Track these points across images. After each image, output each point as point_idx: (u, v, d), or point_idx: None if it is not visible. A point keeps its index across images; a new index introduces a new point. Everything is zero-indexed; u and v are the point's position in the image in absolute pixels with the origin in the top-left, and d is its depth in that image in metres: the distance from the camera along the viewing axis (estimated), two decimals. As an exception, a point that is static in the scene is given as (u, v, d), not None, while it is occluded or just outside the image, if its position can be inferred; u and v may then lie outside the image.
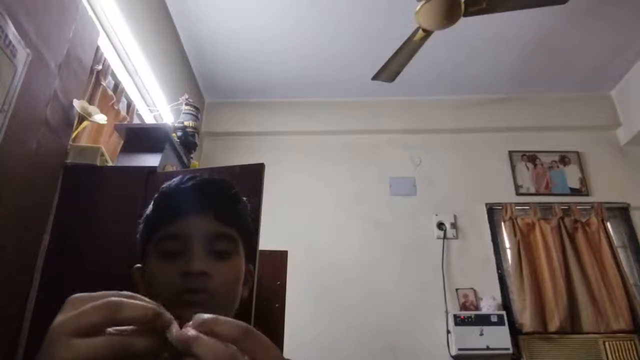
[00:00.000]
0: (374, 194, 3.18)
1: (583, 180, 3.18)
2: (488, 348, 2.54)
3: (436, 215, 3.06)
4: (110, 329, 0.34)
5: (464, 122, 3.38)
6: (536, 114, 3.36)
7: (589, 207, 3.03)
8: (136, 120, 2.29)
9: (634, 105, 3.18)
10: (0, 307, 1.09)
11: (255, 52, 2.98)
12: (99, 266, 1.26)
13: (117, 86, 2.11)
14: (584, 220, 2.97)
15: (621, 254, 2.90)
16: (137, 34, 2.15)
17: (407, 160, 3.30)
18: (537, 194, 3.15)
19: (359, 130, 3.40)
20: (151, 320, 0.35)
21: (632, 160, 3.23)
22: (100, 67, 1.81)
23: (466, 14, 2.06)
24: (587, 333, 2.64)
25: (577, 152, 3.27)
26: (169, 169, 1.65)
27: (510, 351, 2.54)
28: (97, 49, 1.75)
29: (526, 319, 2.66)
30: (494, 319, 2.62)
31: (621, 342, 2.60)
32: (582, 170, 3.21)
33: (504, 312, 2.66)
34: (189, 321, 0.36)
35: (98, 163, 1.44)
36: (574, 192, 3.15)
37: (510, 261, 2.91)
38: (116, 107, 1.96)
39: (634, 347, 2.59)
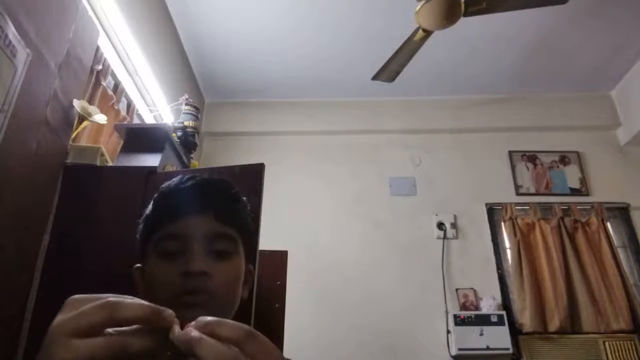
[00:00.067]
0: (374, 194, 3.18)
1: (583, 180, 3.18)
2: (488, 348, 2.54)
3: (436, 215, 3.06)
4: (110, 330, 0.34)
5: (464, 122, 3.38)
6: (536, 114, 3.36)
7: (589, 207, 3.03)
8: (136, 120, 2.29)
9: (634, 105, 3.18)
10: (0, 307, 1.09)
11: (255, 52, 2.98)
12: (99, 266, 1.26)
13: (117, 86, 2.11)
14: (584, 220, 2.97)
15: (621, 254, 2.90)
16: (137, 34, 2.15)
17: (407, 160, 3.30)
18: (537, 194, 3.15)
19: (359, 130, 3.40)
20: (151, 319, 0.35)
21: (632, 160, 3.23)
22: (100, 67, 1.81)
23: (466, 14, 2.06)
24: (587, 333, 2.64)
25: (577, 152, 3.27)
26: (169, 169, 1.65)
27: (510, 351, 2.54)
28: (97, 49, 1.75)
29: (526, 319, 2.66)
30: (494, 319, 2.62)
31: (621, 342, 2.60)
32: (582, 170, 3.21)
33: (504, 312, 2.66)
34: (189, 321, 0.36)
35: (98, 163, 1.44)
36: (574, 192, 3.15)
37: (510, 261, 2.91)
38: (116, 107, 1.96)
39: (634, 347, 2.59)
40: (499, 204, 3.08)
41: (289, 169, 3.22)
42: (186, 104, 2.19)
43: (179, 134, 2.05)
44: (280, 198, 2.98)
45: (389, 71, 2.50)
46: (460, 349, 2.55)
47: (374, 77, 2.57)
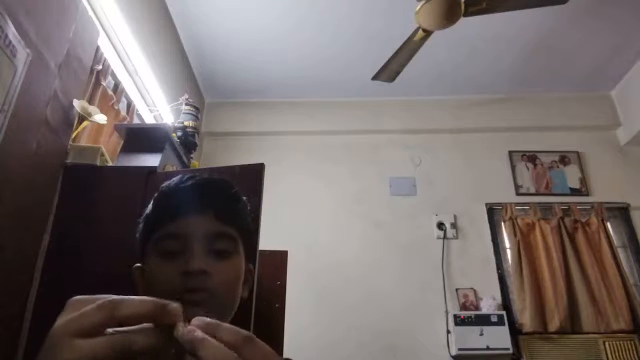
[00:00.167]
0: (374, 194, 3.18)
1: (583, 180, 3.18)
2: (488, 348, 2.54)
3: (436, 215, 3.06)
4: (113, 329, 0.34)
5: (464, 122, 3.38)
6: (536, 114, 3.36)
7: (589, 207, 3.03)
8: (136, 120, 2.29)
9: (634, 105, 3.18)
10: (0, 307, 1.09)
11: (255, 52, 2.99)
12: (99, 266, 1.26)
13: (117, 86, 2.11)
14: (584, 220, 2.97)
15: (621, 254, 2.90)
16: (137, 34, 2.15)
17: (407, 160, 3.30)
18: (537, 194, 3.15)
19: (359, 130, 3.40)
20: (155, 314, 0.34)
21: (632, 160, 3.23)
22: (100, 67, 1.81)
23: (466, 14, 2.06)
24: (587, 333, 2.64)
25: (577, 152, 3.27)
26: (169, 169, 1.65)
27: (510, 351, 2.54)
28: (97, 49, 1.75)
29: (526, 319, 2.66)
30: (494, 319, 2.62)
31: (621, 342, 2.60)
32: (582, 170, 3.21)
33: (504, 312, 2.66)
34: (188, 319, 0.35)
35: (98, 163, 1.44)
36: (574, 192, 3.15)
37: (510, 261, 2.91)
38: (116, 107, 1.96)
39: (634, 347, 2.59)
40: (499, 204, 3.08)
41: (289, 169, 3.22)
42: (186, 104, 2.19)
43: (179, 134, 2.05)
44: (280, 198, 2.98)
45: (389, 71, 2.50)
46: (460, 349, 2.55)
47: (374, 77, 2.57)
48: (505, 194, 3.14)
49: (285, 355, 0.77)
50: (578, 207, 3.02)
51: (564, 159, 3.26)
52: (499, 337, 2.56)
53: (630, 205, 3.07)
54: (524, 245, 2.87)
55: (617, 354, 2.56)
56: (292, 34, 2.83)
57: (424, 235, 3.02)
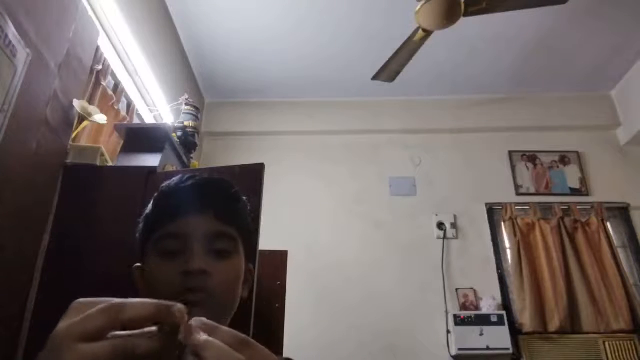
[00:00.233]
0: (374, 194, 3.18)
1: (583, 180, 3.18)
2: (488, 348, 2.53)
3: (436, 215, 3.06)
4: (116, 332, 0.34)
5: (464, 122, 3.38)
6: (536, 114, 3.36)
7: (589, 207, 3.03)
8: (136, 120, 2.29)
9: (634, 105, 3.18)
10: (0, 307, 1.09)
11: (255, 52, 2.99)
12: (99, 266, 1.26)
13: (117, 86, 2.11)
14: (584, 220, 2.97)
15: (621, 254, 2.90)
16: (137, 34, 2.15)
17: (407, 160, 3.30)
18: (537, 194, 3.15)
19: (359, 130, 3.40)
20: (158, 316, 0.34)
21: (632, 160, 3.24)
22: (100, 67, 1.81)
23: (466, 14, 2.06)
24: (587, 333, 2.64)
25: (577, 152, 3.27)
26: (169, 169, 1.65)
27: (510, 351, 2.54)
28: (97, 49, 1.75)
29: (526, 319, 2.66)
30: (494, 319, 2.62)
31: (621, 342, 2.60)
32: (582, 170, 3.21)
33: (504, 312, 2.66)
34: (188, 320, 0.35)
35: (98, 163, 1.44)
36: (574, 192, 3.15)
37: (510, 261, 2.91)
38: (116, 107, 1.96)
39: (634, 347, 2.59)
40: (499, 204, 3.09)
41: (289, 169, 3.22)
42: (186, 104, 2.19)
43: (179, 134, 2.05)
44: (280, 198, 2.98)
45: (389, 71, 2.50)
46: (460, 349, 2.55)
47: (374, 77, 2.57)
48: (505, 194, 3.14)
49: (285, 355, 0.77)
50: (578, 207, 3.02)
51: (564, 159, 3.26)
52: (499, 337, 2.56)
53: (630, 205, 3.07)
54: (524, 245, 2.87)
55: (617, 354, 2.56)
56: (292, 34, 2.83)
57: (424, 235, 3.02)
